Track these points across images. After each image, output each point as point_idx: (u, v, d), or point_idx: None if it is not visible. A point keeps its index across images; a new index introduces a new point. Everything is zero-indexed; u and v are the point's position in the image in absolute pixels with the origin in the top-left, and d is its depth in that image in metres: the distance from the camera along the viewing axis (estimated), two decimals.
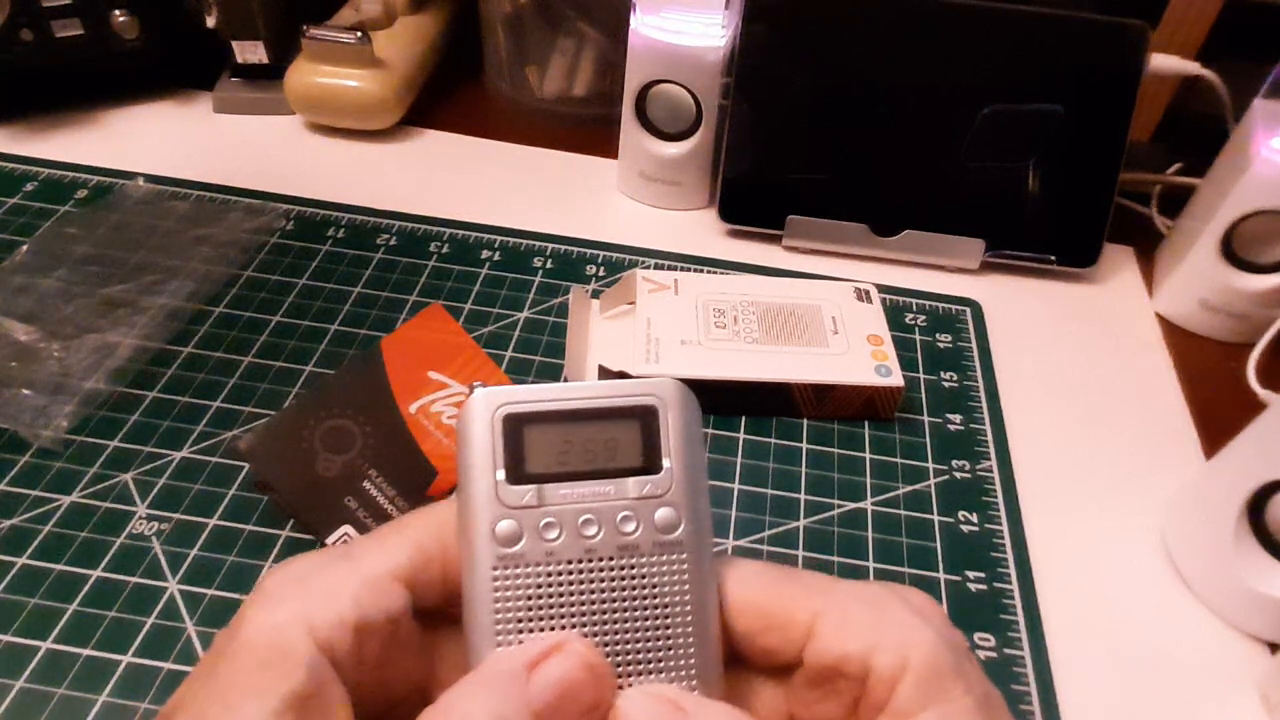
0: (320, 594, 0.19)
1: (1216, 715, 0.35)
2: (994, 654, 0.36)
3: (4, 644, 0.33)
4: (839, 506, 0.41)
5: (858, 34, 0.52)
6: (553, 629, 0.20)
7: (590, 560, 0.20)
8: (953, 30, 0.51)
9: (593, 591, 0.20)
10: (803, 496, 0.41)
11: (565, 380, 0.44)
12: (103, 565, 0.36)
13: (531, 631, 0.20)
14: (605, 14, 0.60)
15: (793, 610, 0.20)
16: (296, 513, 0.37)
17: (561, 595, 0.20)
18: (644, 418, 0.21)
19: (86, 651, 0.33)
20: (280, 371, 0.44)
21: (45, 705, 0.32)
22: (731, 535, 0.39)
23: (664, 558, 0.20)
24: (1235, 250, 0.49)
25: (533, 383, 0.45)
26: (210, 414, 0.42)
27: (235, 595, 0.35)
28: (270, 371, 0.44)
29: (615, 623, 0.20)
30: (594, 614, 0.20)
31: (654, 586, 0.20)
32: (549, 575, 0.20)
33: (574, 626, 0.20)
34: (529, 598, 0.20)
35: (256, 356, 0.45)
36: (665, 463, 0.21)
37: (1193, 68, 0.53)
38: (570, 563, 0.20)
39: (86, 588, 0.35)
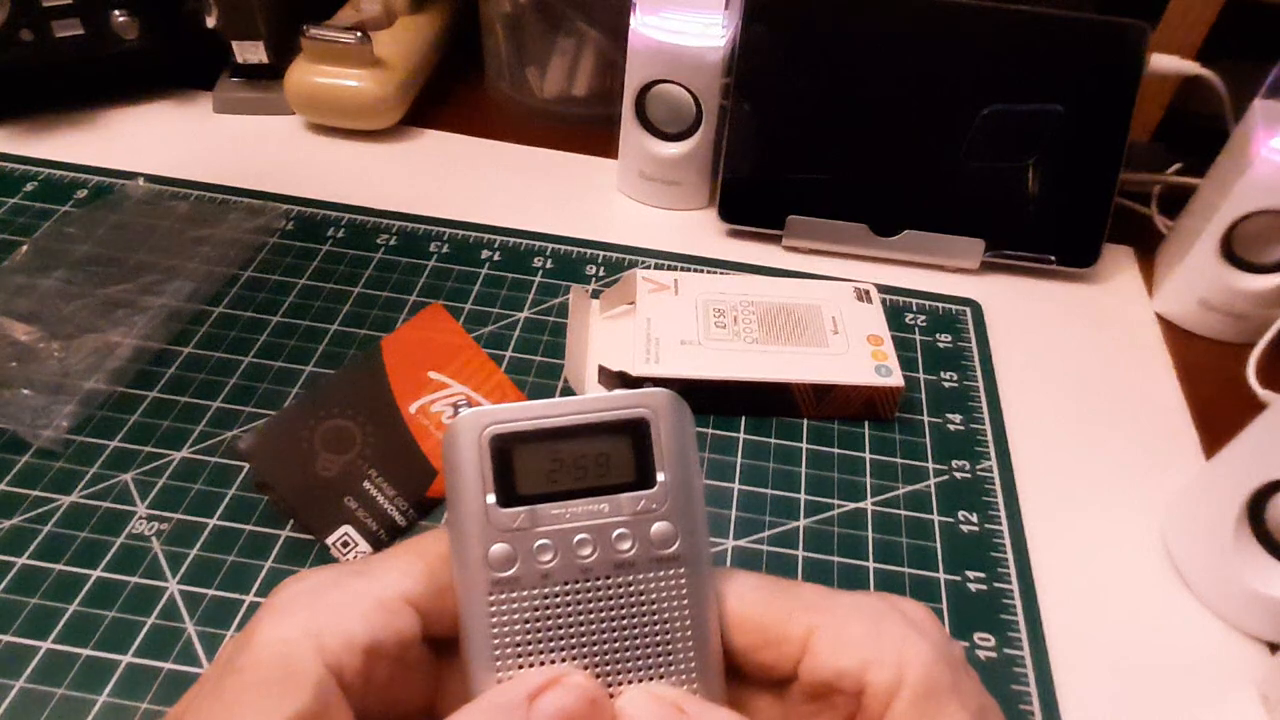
0: (332, 612, 0.19)
1: (1216, 715, 0.35)
2: (994, 654, 0.36)
3: (4, 644, 0.33)
4: (839, 506, 0.41)
5: (858, 34, 0.52)
6: (552, 651, 0.20)
7: (586, 580, 0.20)
8: (953, 30, 0.51)
9: (590, 612, 0.20)
10: (803, 496, 0.41)
11: (564, 380, 0.44)
12: (103, 565, 0.36)
13: (531, 655, 0.20)
14: (605, 14, 0.60)
15: (788, 626, 0.20)
16: (296, 513, 0.37)
17: (559, 618, 0.20)
18: (635, 431, 0.20)
19: (86, 651, 0.33)
20: (280, 371, 0.44)
21: (45, 705, 0.32)
22: (731, 535, 0.39)
23: (661, 573, 0.20)
24: (1235, 250, 0.49)
25: (532, 382, 0.45)
26: (210, 414, 0.42)
27: (235, 595, 0.35)
28: (270, 371, 0.44)
29: (615, 640, 0.20)
30: (593, 634, 0.20)
31: (652, 603, 0.20)
32: (545, 598, 0.20)
33: (573, 648, 0.20)
34: (526, 622, 0.20)
35: (256, 356, 0.45)
36: (659, 476, 0.20)
37: (1193, 68, 0.53)
38: (566, 584, 0.20)
39: (86, 588, 0.35)
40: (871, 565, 0.38)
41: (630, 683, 0.20)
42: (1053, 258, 0.54)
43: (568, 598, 0.20)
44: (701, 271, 0.52)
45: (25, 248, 0.48)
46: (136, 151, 0.57)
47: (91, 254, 0.48)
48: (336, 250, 0.51)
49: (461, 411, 0.20)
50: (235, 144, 0.59)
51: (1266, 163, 0.46)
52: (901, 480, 0.42)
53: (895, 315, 0.51)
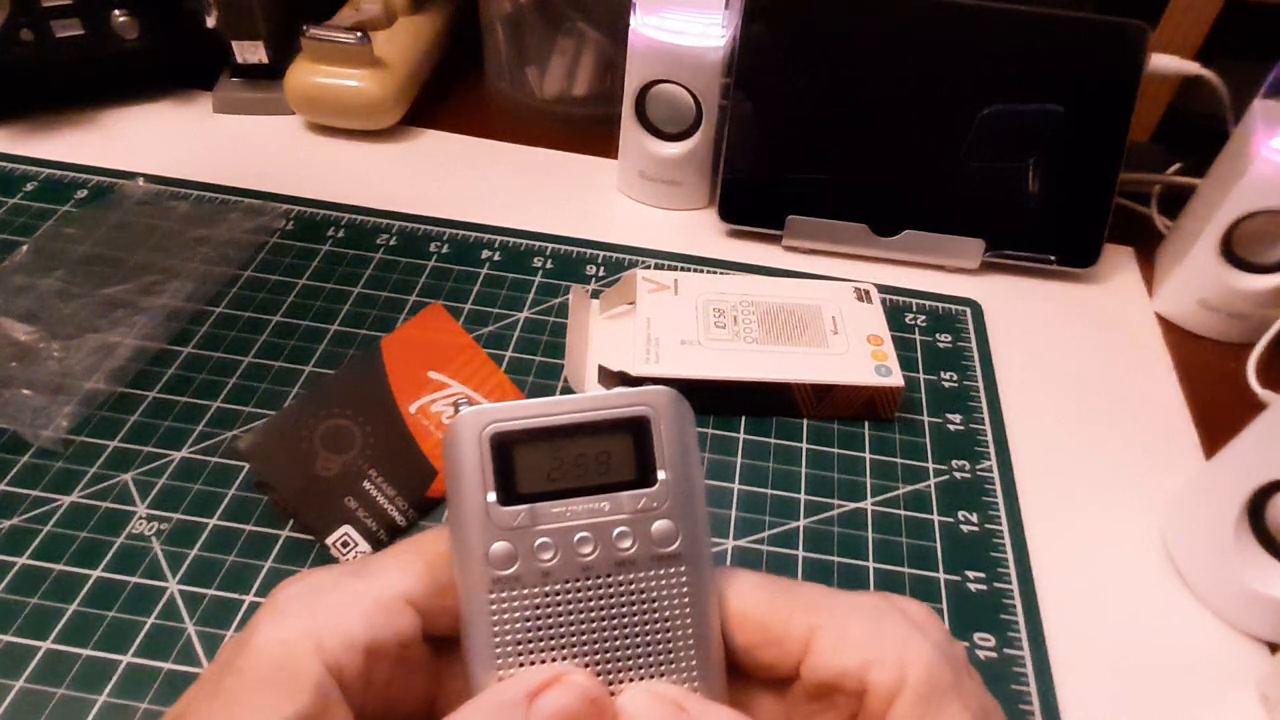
0: (332, 612, 0.19)
1: (1216, 715, 0.35)
2: (994, 654, 0.36)
3: (4, 644, 0.33)
4: (839, 506, 0.41)
5: (857, 34, 0.52)
6: (552, 650, 0.20)
7: (587, 579, 0.20)
8: (953, 30, 0.51)
9: (591, 610, 0.20)
10: (803, 496, 0.41)
11: (564, 380, 0.44)
12: (103, 565, 0.36)
13: (532, 654, 0.20)
14: (605, 14, 0.60)
15: (790, 625, 0.20)
16: (296, 513, 0.37)
17: (560, 616, 0.20)
18: (636, 429, 0.20)
19: (86, 651, 0.33)
20: (280, 371, 0.44)
21: (45, 705, 0.32)
22: (731, 535, 0.39)
23: (662, 571, 0.20)
24: (1235, 250, 0.49)
25: (532, 382, 0.45)
26: (210, 414, 0.42)
27: (235, 595, 0.35)
28: (270, 371, 0.44)
29: (616, 639, 0.20)
30: (593, 632, 0.20)
31: (653, 601, 0.20)
32: (546, 596, 0.20)
33: (574, 646, 0.20)
34: (527, 620, 0.20)
35: (256, 356, 0.45)
36: (660, 474, 0.20)
37: (1193, 68, 0.53)
38: (567, 582, 0.20)
39: (86, 588, 0.35)
40: (871, 565, 0.38)
41: (631, 681, 0.20)
42: (1053, 258, 0.54)
43: (568, 596, 0.20)
44: (701, 271, 0.52)
45: (25, 248, 0.48)
46: (136, 151, 0.57)
47: (91, 254, 0.48)
48: (336, 250, 0.51)
49: (462, 410, 0.20)
50: (235, 144, 0.59)
51: (1266, 163, 0.46)
52: (901, 480, 0.42)
53: (895, 315, 0.51)
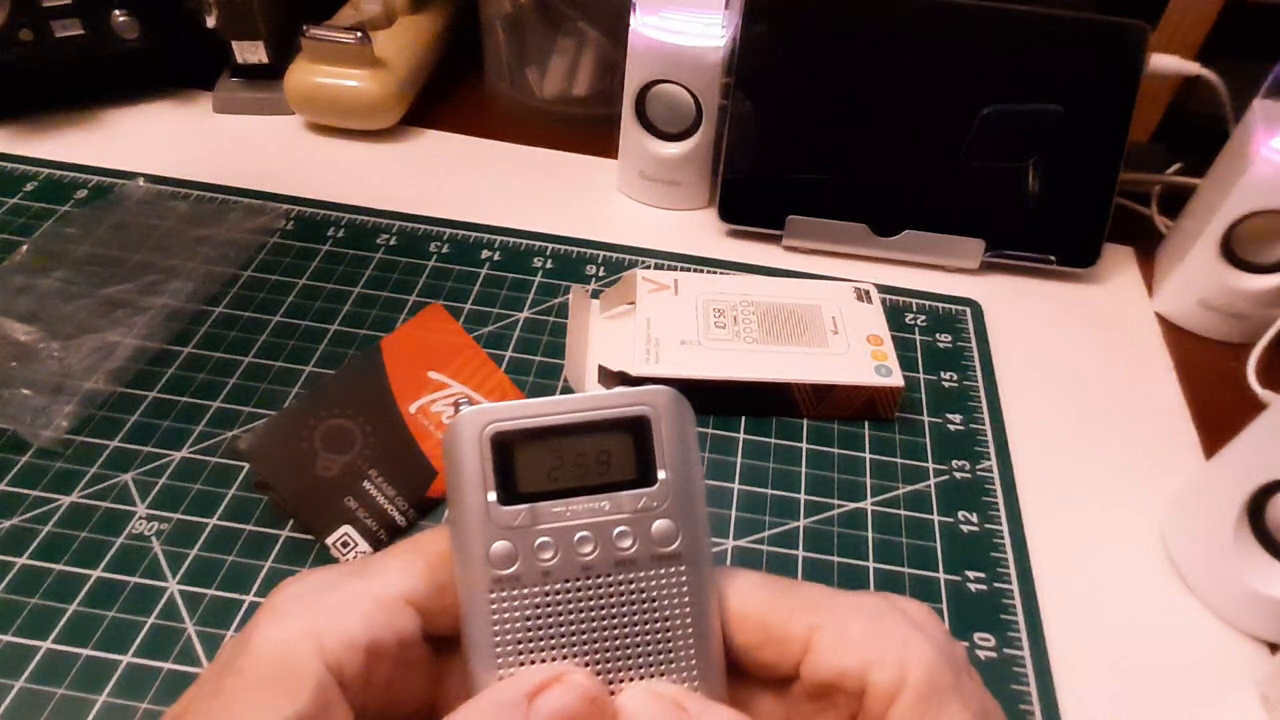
0: (332, 612, 0.19)
1: (1216, 715, 0.35)
2: (994, 654, 0.36)
3: (4, 644, 0.33)
4: (839, 506, 0.41)
5: (857, 34, 0.52)
6: (552, 649, 0.20)
7: (587, 578, 0.20)
8: (953, 30, 0.51)
9: (591, 610, 0.20)
10: (803, 496, 0.41)
11: (564, 380, 0.44)
12: (103, 565, 0.36)
13: (532, 653, 0.20)
14: (605, 14, 0.60)
15: (790, 625, 0.20)
16: (296, 513, 0.37)
17: (560, 615, 0.20)
18: (636, 429, 0.20)
19: (86, 651, 0.33)
20: (280, 371, 0.44)
21: (45, 705, 0.32)
22: (731, 535, 0.39)
23: (662, 571, 0.20)
24: (1235, 250, 0.49)
25: (532, 382, 0.45)
26: (210, 414, 0.42)
27: (235, 595, 0.35)
28: (270, 371, 0.44)
29: (616, 638, 0.20)
30: (593, 632, 0.20)
31: (653, 600, 0.20)
32: (546, 596, 0.20)
33: (574, 646, 0.20)
34: (527, 619, 0.20)
35: (256, 356, 0.45)
36: (660, 474, 0.20)
37: (1193, 68, 0.53)
38: (567, 582, 0.20)
39: (86, 588, 0.35)
40: (871, 565, 0.38)
41: (631, 680, 0.20)
42: (1053, 258, 0.54)
43: (568, 595, 0.20)
44: (701, 271, 0.52)
45: (25, 248, 0.48)
46: (136, 151, 0.57)
47: (91, 254, 0.48)
48: (336, 250, 0.51)
49: (462, 410, 0.20)
50: (235, 144, 0.59)
51: (1266, 163, 0.46)
52: (901, 480, 0.42)
53: (895, 315, 0.51)
